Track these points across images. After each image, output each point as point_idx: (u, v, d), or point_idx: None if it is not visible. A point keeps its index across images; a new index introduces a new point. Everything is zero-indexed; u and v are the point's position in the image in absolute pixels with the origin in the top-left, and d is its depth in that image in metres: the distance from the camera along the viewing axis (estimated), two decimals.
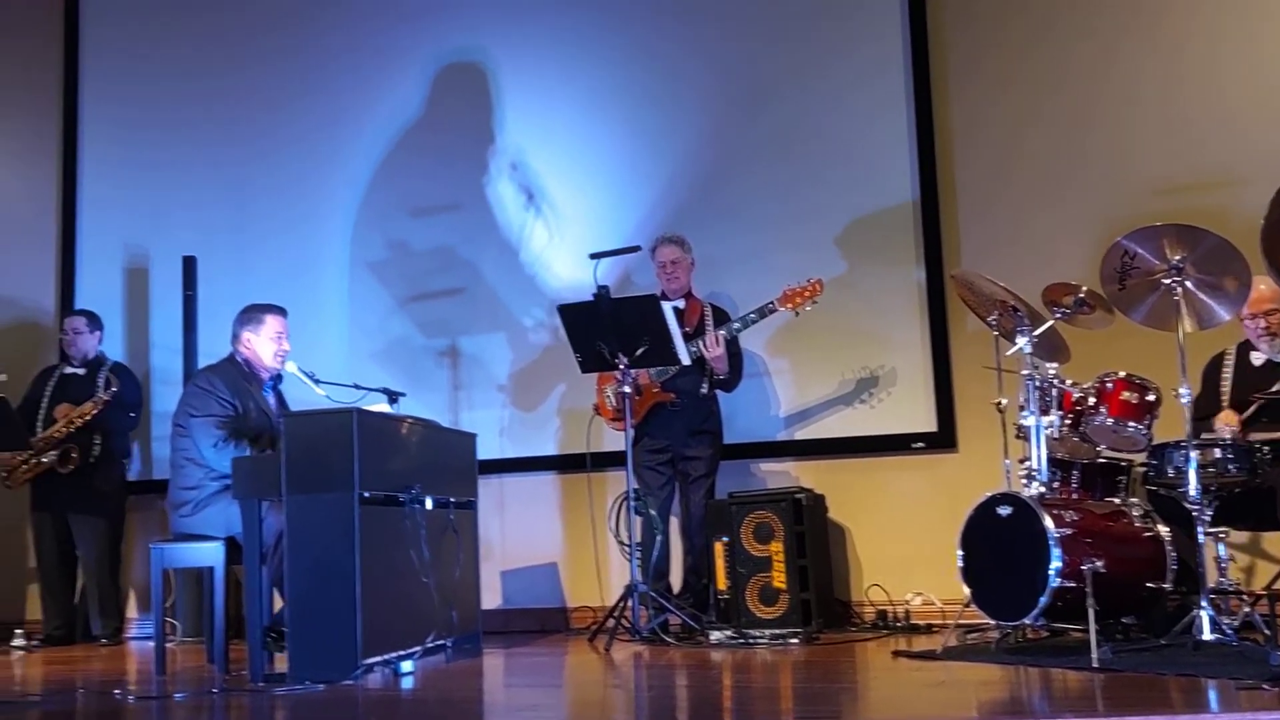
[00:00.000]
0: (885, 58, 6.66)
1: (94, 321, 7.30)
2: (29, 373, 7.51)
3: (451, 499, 5.48)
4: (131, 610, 7.51)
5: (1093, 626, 4.27)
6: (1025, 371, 4.98)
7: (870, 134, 6.64)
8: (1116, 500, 5.04)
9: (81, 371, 7.18)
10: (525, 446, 7.04)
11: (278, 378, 5.70)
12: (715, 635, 5.53)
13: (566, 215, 7.12)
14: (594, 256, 5.95)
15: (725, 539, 5.85)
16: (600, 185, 7.07)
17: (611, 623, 5.60)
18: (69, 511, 7.07)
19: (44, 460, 6.91)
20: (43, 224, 8.08)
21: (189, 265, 7.38)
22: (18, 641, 6.75)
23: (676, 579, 6.33)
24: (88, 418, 6.91)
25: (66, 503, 7.06)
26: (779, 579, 5.73)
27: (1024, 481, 4.89)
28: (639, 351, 5.69)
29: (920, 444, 6.41)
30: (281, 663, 4.81)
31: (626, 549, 5.75)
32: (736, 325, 6.07)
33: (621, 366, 5.72)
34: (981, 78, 6.56)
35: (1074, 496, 5.01)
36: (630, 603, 5.61)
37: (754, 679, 4.41)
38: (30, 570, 7.67)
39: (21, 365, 7.65)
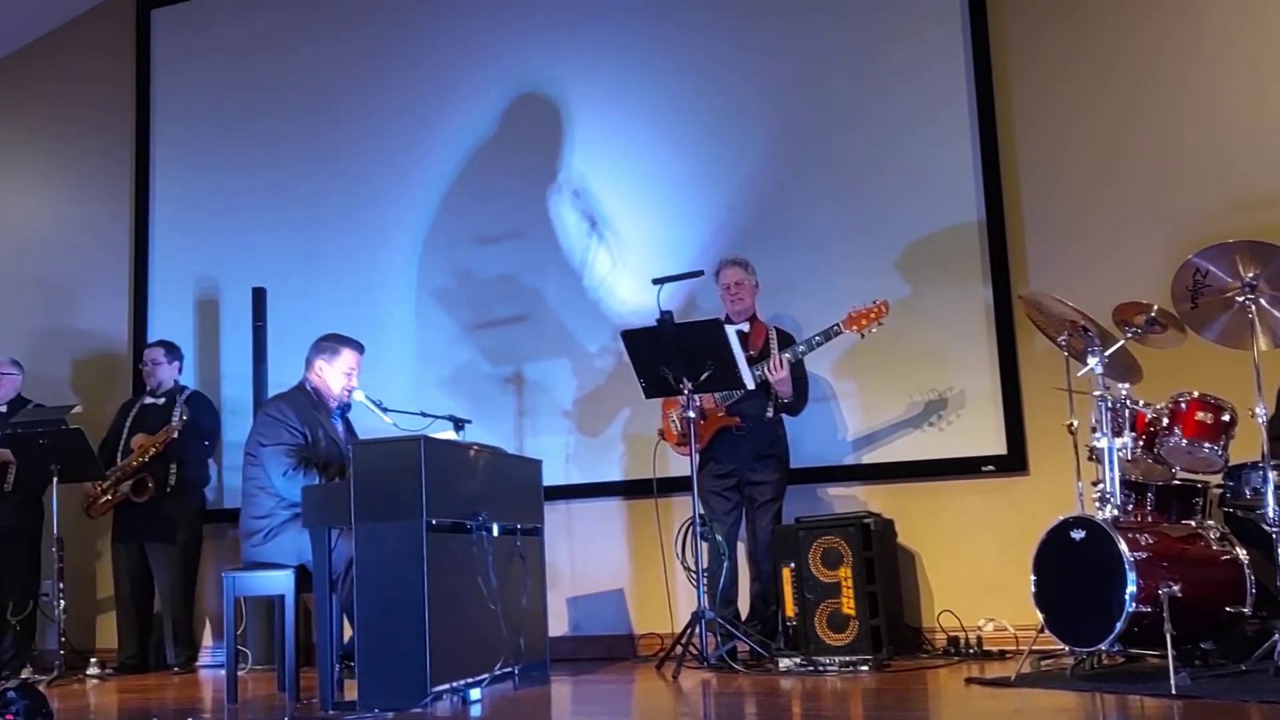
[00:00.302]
0: (949, 76, 6.61)
1: (172, 352, 7.40)
2: (105, 404, 7.65)
3: (518, 525, 5.49)
4: (203, 638, 7.59)
5: (1170, 652, 4.20)
6: (1097, 392, 4.91)
7: (934, 153, 6.59)
8: (1192, 523, 4.95)
9: (160, 402, 7.29)
10: (591, 472, 7.05)
11: (346, 406, 5.75)
12: (784, 662, 5.48)
13: (629, 241, 7.13)
14: (657, 282, 5.95)
15: (793, 564, 5.81)
16: (663, 210, 7.08)
17: (679, 650, 5.58)
18: (146, 541, 7.17)
19: (120, 490, 7.03)
20: (117, 259, 8.23)
21: (258, 296, 7.49)
22: (92, 670, 6.83)
23: (744, 605, 6.29)
24: (160, 448, 7.01)
25: (144, 532, 7.15)
26: (848, 605, 5.68)
27: (1097, 504, 4.82)
28: (703, 376, 5.67)
29: (990, 467, 6.33)
30: (351, 690, 4.83)
31: (693, 575, 5.73)
32: (802, 348, 6.04)
33: (685, 391, 5.70)
34: (1047, 93, 6.49)
35: (1149, 519, 4.92)
36: (698, 629, 5.58)
37: (824, 707, 4.37)
38: (101, 600, 7.81)
39: (98, 397, 7.80)
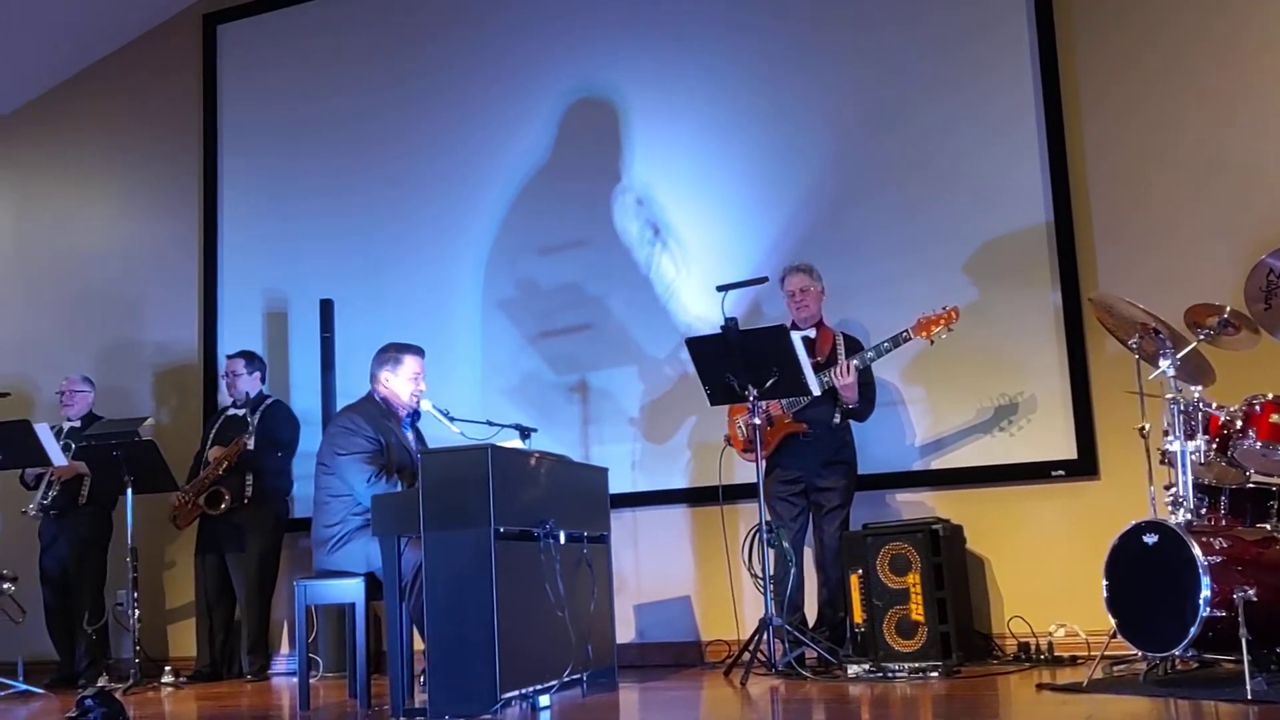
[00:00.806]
0: (1014, 78, 6.56)
1: (253, 362, 7.48)
2: (178, 415, 7.75)
3: (585, 533, 5.51)
4: (284, 646, 7.66)
5: (1245, 657, 4.13)
6: (1169, 395, 4.85)
7: (1000, 156, 6.54)
8: (1268, 526, 4.86)
9: (242, 412, 7.38)
10: (657, 479, 7.05)
11: (416, 415, 5.80)
12: (853, 669, 5.45)
13: (693, 248, 7.14)
14: (721, 289, 5.95)
15: (860, 571, 5.78)
16: (726, 216, 7.08)
17: (747, 656, 5.57)
18: (226, 552, 7.26)
19: (198, 502, 7.12)
20: (186, 272, 8.36)
21: (326, 308, 7.57)
22: (167, 678, 6.93)
23: (811, 612, 6.27)
24: (232, 460, 7.10)
25: (222, 543, 7.25)
26: (917, 611, 5.64)
27: (1170, 508, 4.76)
28: (769, 383, 5.66)
29: (1060, 471, 6.26)
30: (422, 697, 4.86)
31: (760, 581, 5.71)
32: (870, 354, 6.01)
33: (751, 398, 5.69)
34: (1114, 94, 6.42)
35: (1223, 523, 4.85)
36: (765, 636, 5.56)
37: (894, 713, 4.34)
38: (173, 609, 7.93)
39: (170, 409, 7.92)
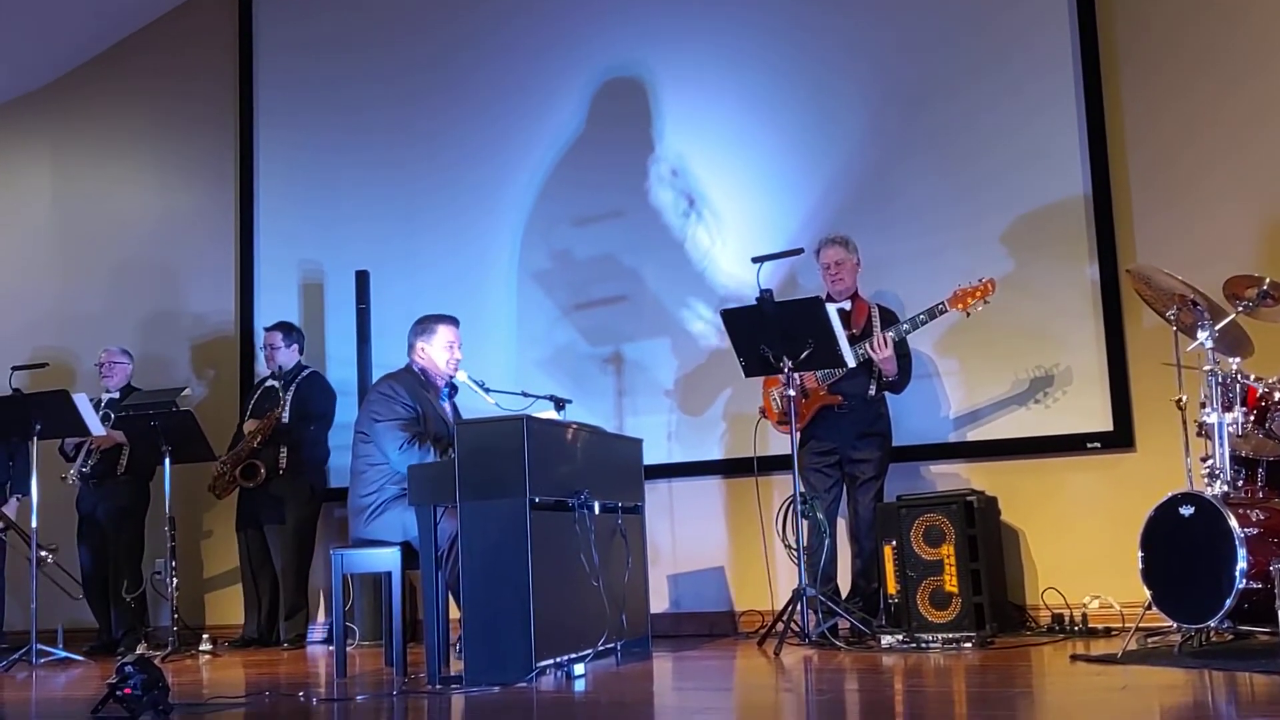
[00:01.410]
0: (1053, 48, 6.49)
1: (290, 334, 7.53)
2: (215, 386, 7.81)
3: (619, 504, 5.53)
4: (320, 614, 7.73)
5: None
6: (1206, 367, 4.82)
7: (1038, 126, 6.48)
8: None
9: (280, 384, 7.44)
10: (692, 451, 7.07)
11: (453, 387, 5.83)
12: (886, 639, 5.46)
13: (728, 219, 7.12)
14: (757, 260, 5.94)
15: (894, 542, 5.78)
16: (761, 188, 7.06)
17: (780, 627, 5.58)
18: (263, 523, 7.36)
19: (235, 473, 7.21)
20: (223, 244, 8.41)
21: (362, 279, 7.61)
22: (205, 645, 7.01)
23: (844, 583, 6.27)
24: (266, 433, 7.17)
25: (260, 514, 7.36)
26: (951, 582, 5.64)
27: (1206, 480, 4.74)
28: (804, 354, 5.65)
29: (1096, 444, 6.24)
30: (458, 665, 4.91)
31: (794, 552, 5.72)
32: (905, 326, 5.99)
33: (786, 370, 5.69)
34: (1156, 63, 6.35)
35: (1260, 495, 4.82)
36: (799, 606, 5.58)
37: (927, 683, 4.35)
38: (211, 578, 8.02)
39: (207, 380, 7.98)
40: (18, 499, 7.46)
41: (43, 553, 6.86)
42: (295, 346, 7.52)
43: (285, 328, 7.54)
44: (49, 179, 9.04)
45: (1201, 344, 4.85)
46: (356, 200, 8.05)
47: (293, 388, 7.36)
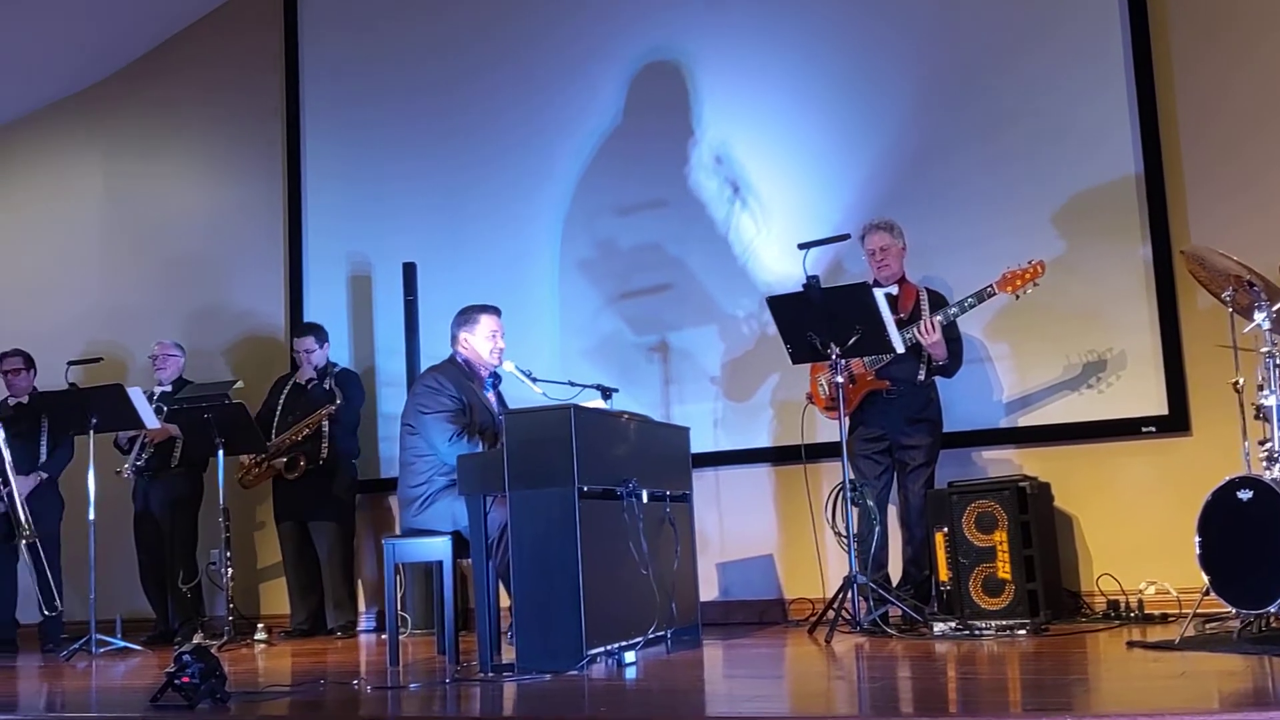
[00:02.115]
0: (1102, 24, 6.41)
1: (320, 336, 7.63)
2: (263, 380, 7.86)
3: (667, 492, 5.52)
4: (361, 604, 7.80)
5: None
6: (1264, 349, 4.75)
7: (1088, 106, 6.40)
8: None
9: (314, 381, 7.50)
10: (739, 439, 7.05)
11: (497, 377, 5.84)
12: (939, 627, 5.42)
13: (773, 206, 7.09)
14: (802, 246, 5.91)
15: (946, 529, 5.74)
16: (806, 173, 7.02)
17: (831, 614, 5.56)
18: (306, 516, 7.44)
19: (273, 465, 7.29)
20: (271, 238, 8.47)
21: (409, 271, 7.64)
22: (259, 635, 7.08)
23: (895, 570, 6.24)
24: (313, 427, 7.27)
25: (303, 507, 7.45)
26: (1004, 569, 5.60)
27: (1264, 464, 4.67)
28: (851, 340, 5.62)
29: (1151, 428, 6.17)
30: (509, 653, 4.92)
31: (844, 540, 5.70)
32: (953, 310, 5.94)
33: (833, 356, 5.65)
34: (1208, 38, 6.25)
35: None
36: (850, 594, 5.55)
37: (980, 670, 4.31)
38: (264, 569, 8.09)
39: (256, 372, 8.04)
40: (40, 477, 7.52)
41: (24, 535, 6.99)
42: (326, 345, 7.65)
43: (314, 330, 7.64)
44: (100, 175, 9.13)
45: (1258, 325, 4.77)
46: (403, 192, 8.08)
47: (329, 383, 7.43)
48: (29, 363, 7.78)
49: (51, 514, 7.57)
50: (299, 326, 7.85)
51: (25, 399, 7.71)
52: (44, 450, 7.56)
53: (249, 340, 8.47)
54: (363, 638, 7.22)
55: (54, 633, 7.48)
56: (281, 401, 7.54)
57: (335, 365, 7.64)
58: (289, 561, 7.55)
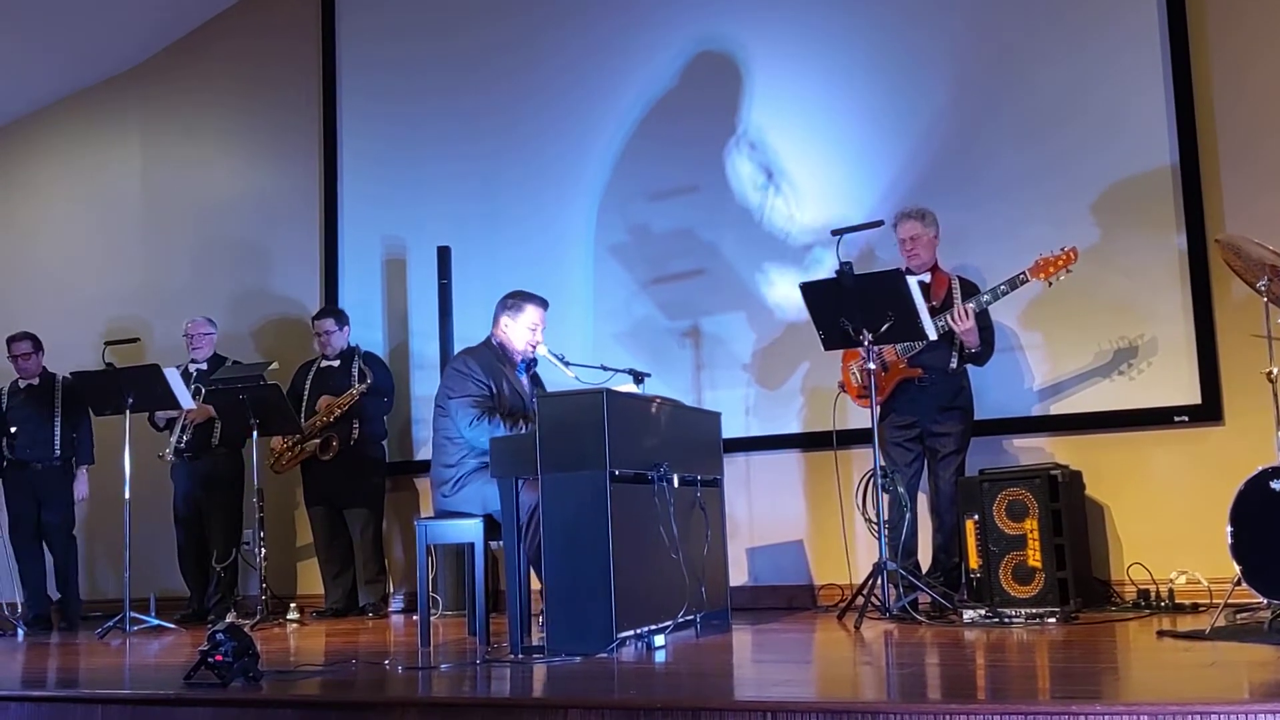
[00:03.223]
0: (1139, 10, 6.36)
1: (340, 319, 7.69)
2: (298, 362, 7.92)
3: (698, 477, 5.55)
4: (391, 585, 7.86)
5: None
6: None
7: (1124, 94, 6.36)
8: None
9: (336, 364, 7.59)
10: (770, 424, 7.06)
11: (533, 361, 5.86)
12: (968, 614, 5.42)
13: (807, 192, 7.08)
14: (836, 233, 5.90)
15: (976, 517, 5.74)
16: (841, 160, 7.01)
17: (860, 600, 5.57)
18: (337, 497, 7.50)
19: (305, 447, 7.35)
20: (307, 221, 8.53)
21: (443, 255, 7.67)
22: (292, 615, 7.15)
23: (925, 557, 6.24)
24: (344, 408, 7.32)
25: (334, 490, 7.50)
26: (1034, 557, 5.59)
27: None
28: (884, 327, 5.61)
29: (1183, 417, 6.14)
30: (539, 635, 4.95)
31: (874, 526, 5.70)
32: (986, 298, 5.93)
33: (866, 343, 5.65)
34: (1243, 29, 6.20)
35: None
36: (879, 580, 5.56)
37: (1010, 658, 4.32)
38: (300, 548, 8.16)
39: (290, 356, 8.10)
40: (85, 469, 7.66)
41: None
42: (346, 329, 7.69)
43: (335, 313, 7.70)
44: (139, 158, 9.21)
45: None
46: (438, 176, 8.11)
47: (358, 365, 7.48)
48: (37, 345, 7.82)
49: (66, 501, 7.68)
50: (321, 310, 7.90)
51: (36, 380, 7.77)
52: (58, 431, 7.63)
53: (283, 323, 8.53)
54: (394, 618, 7.28)
55: (70, 612, 7.61)
56: (308, 385, 7.60)
57: (359, 348, 7.68)
58: (320, 544, 7.61)
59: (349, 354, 7.63)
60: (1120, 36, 6.41)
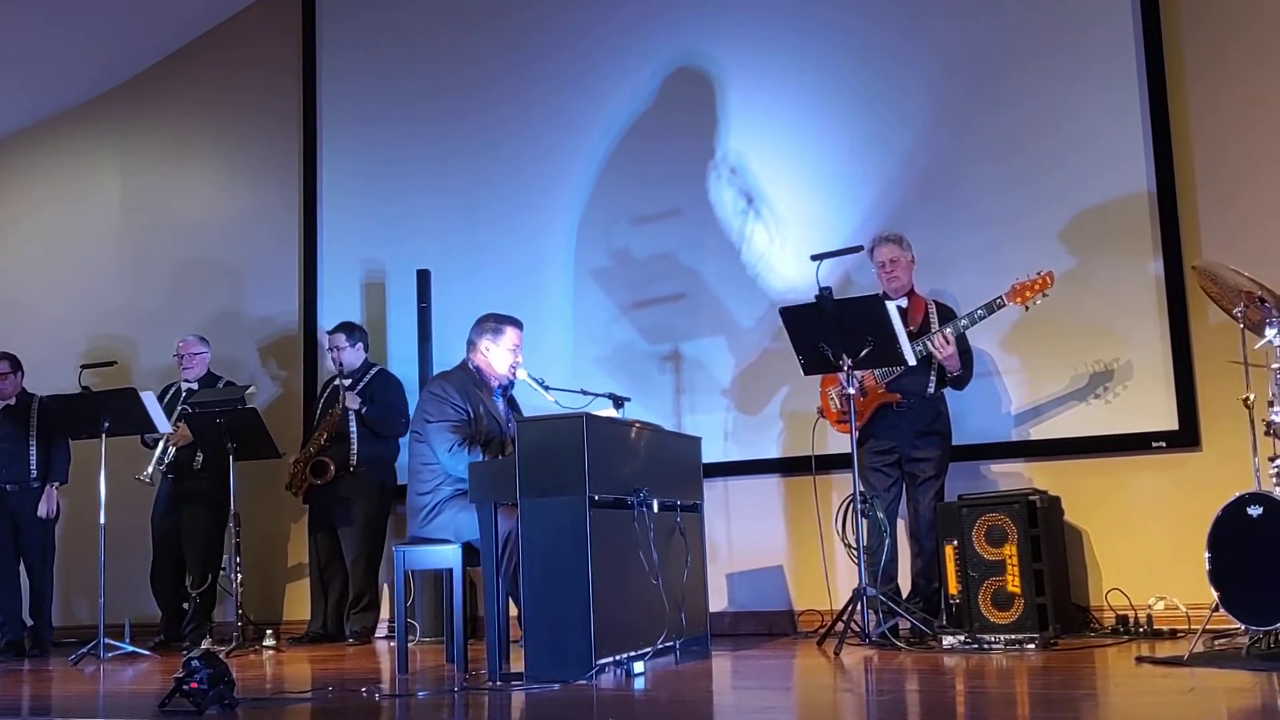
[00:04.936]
0: (1116, 40, 6.42)
1: (353, 334, 7.58)
2: (278, 385, 7.88)
3: (678, 502, 5.53)
4: (385, 611, 7.78)
5: None
6: (1275, 365, 4.75)
7: (1101, 121, 6.41)
8: None
9: (349, 382, 7.49)
10: (749, 449, 7.05)
11: (509, 384, 5.84)
12: (948, 640, 5.42)
13: (787, 217, 7.10)
14: (816, 258, 5.92)
15: (955, 542, 5.74)
16: (821, 185, 7.03)
17: (840, 626, 5.56)
18: (335, 522, 7.43)
19: (307, 471, 7.29)
20: (287, 243, 8.50)
21: (423, 278, 7.66)
22: (268, 641, 7.08)
23: (905, 583, 6.24)
24: (331, 430, 7.24)
25: (332, 512, 7.42)
26: (1013, 583, 5.59)
27: (1275, 480, 4.67)
28: (863, 352, 5.62)
29: (1161, 443, 6.16)
30: (518, 662, 4.93)
31: (854, 552, 5.70)
32: (964, 322, 5.95)
33: (845, 368, 5.66)
34: (1220, 57, 6.26)
35: None
36: (859, 606, 5.55)
37: (989, 684, 4.32)
38: (287, 572, 8.09)
39: (272, 376, 8.06)
40: (53, 486, 7.55)
41: None
42: (360, 345, 7.57)
43: (347, 328, 7.58)
44: (118, 178, 9.17)
45: (1269, 341, 4.78)
46: (418, 199, 8.10)
47: (361, 386, 7.42)
48: (16, 365, 7.69)
49: (44, 523, 7.56)
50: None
51: (13, 401, 7.68)
52: (34, 452, 7.54)
53: (264, 346, 8.49)
54: (377, 644, 7.22)
55: (42, 638, 7.51)
56: (321, 405, 7.55)
57: (374, 366, 7.63)
58: (315, 567, 7.52)
59: (362, 371, 7.56)
60: (1098, 66, 6.45)
